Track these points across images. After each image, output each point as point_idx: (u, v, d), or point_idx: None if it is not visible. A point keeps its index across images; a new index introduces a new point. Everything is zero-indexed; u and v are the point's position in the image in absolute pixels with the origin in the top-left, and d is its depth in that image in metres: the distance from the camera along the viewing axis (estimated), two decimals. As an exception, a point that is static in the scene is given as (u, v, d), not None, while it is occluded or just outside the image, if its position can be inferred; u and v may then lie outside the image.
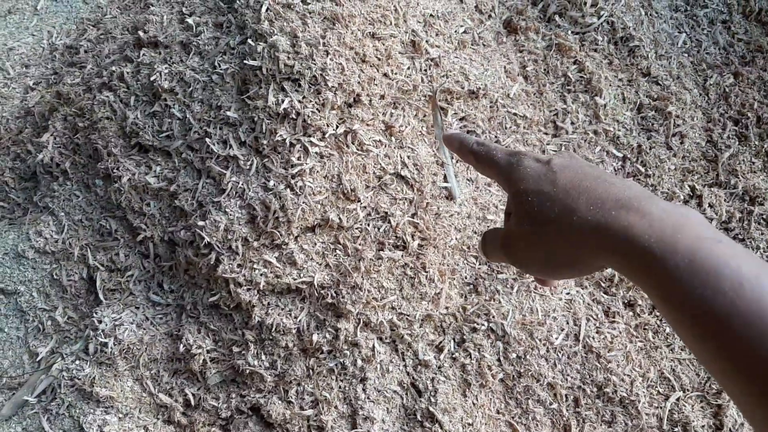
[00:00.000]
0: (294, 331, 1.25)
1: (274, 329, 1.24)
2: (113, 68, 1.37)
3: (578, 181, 0.62)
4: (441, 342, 1.34)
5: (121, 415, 1.27)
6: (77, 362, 1.29)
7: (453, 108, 1.38)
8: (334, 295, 1.24)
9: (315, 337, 1.25)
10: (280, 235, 1.20)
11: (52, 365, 1.30)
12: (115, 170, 1.30)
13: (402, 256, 1.28)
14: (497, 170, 0.72)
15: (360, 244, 1.25)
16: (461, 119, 1.40)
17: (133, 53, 1.38)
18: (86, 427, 1.25)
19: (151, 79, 1.28)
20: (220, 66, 1.24)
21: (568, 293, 1.43)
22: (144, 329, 1.29)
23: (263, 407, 1.28)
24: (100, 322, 1.29)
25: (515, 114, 1.49)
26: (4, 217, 1.51)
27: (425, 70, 1.34)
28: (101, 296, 1.32)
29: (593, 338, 1.39)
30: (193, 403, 1.30)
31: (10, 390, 1.32)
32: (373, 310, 1.26)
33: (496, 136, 1.46)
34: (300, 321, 1.25)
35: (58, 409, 1.28)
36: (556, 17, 1.63)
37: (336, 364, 1.29)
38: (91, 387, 1.26)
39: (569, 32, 1.62)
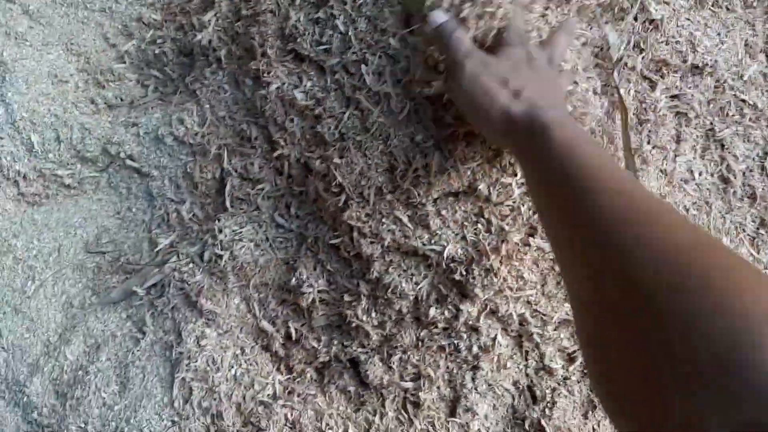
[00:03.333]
0: (411, 298, 1.12)
1: (390, 290, 1.11)
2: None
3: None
4: (574, 352, 1.15)
5: (221, 331, 1.22)
6: (191, 266, 1.23)
7: (664, 83, 1.11)
8: (464, 273, 1.08)
9: (432, 311, 1.11)
10: (418, 195, 1.04)
11: (167, 262, 1.25)
12: (265, 74, 1.18)
13: (555, 247, 1.09)
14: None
15: (508, 224, 1.06)
16: (672, 97, 1.13)
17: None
18: (185, 335, 1.21)
19: (322, -21, 1.11)
20: (396, -20, 1.05)
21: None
22: (262, 250, 1.21)
23: (362, 365, 1.18)
24: (220, 231, 1.21)
25: (743, 101, 1.20)
26: (157, 89, 1.45)
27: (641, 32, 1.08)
28: (228, 203, 1.25)
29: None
30: (294, 337, 1.22)
31: (125, 274, 1.30)
32: (504, 299, 1.09)
33: (711, 123, 1.18)
34: (420, 289, 1.11)
35: (164, 307, 1.25)
36: (836, -15, 1.27)
37: (450, 344, 1.15)
38: (197, 296, 1.21)
39: None
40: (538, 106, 0.78)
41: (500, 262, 1.06)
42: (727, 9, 1.16)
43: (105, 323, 1.28)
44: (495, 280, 1.07)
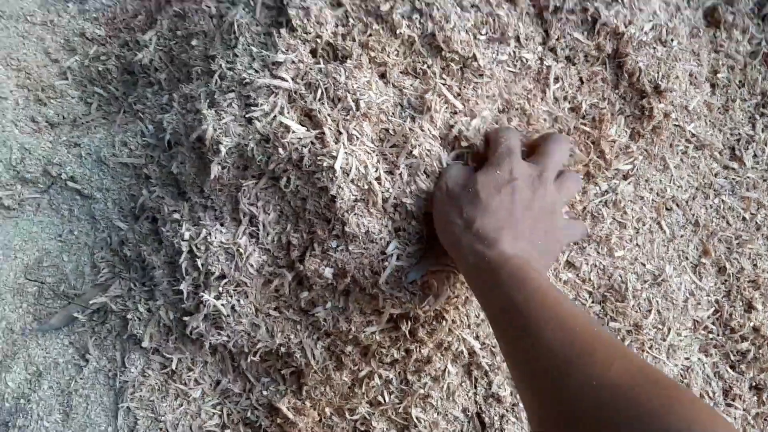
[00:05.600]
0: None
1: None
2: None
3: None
4: (522, 380, 1.16)
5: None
6: (132, 292, 1.20)
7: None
8: (409, 322, 1.07)
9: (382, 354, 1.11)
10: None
11: (109, 287, 1.22)
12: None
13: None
14: None
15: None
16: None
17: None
18: (128, 363, 1.18)
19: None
20: None
21: (687, 358, 1.20)
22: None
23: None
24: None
25: (686, 130, 1.22)
26: (100, 107, 1.41)
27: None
28: (173, 228, 1.22)
29: (700, 420, 1.17)
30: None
31: (67, 299, 1.27)
32: (455, 338, 1.10)
33: (662, 155, 1.20)
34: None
35: (107, 334, 1.22)
36: (776, 18, 1.30)
37: (398, 374, 1.15)
38: (137, 328, 1.18)
39: (787, 41, 1.28)
40: (485, 241, 0.78)
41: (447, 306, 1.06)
42: (674, 42, 1.18)
43: (47, 350, 1.25)
44: (443, 323, 1.07)
